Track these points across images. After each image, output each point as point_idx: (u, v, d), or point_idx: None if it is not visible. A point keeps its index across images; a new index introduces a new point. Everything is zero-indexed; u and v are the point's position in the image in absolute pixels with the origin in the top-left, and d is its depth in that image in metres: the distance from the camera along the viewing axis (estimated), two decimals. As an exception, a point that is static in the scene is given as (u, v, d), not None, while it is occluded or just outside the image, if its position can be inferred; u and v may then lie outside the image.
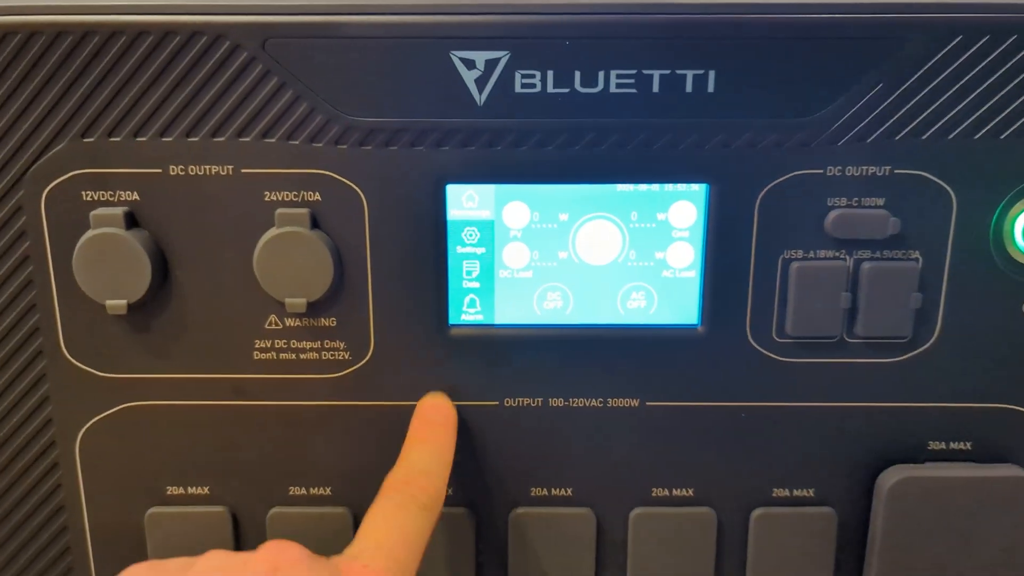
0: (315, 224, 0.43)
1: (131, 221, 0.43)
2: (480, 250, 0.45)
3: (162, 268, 0.44)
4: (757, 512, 0.47)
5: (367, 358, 0.44)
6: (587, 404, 0.46)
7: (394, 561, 0.37)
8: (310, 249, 0.42)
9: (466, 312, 0.45)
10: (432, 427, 0.43)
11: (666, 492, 0.47)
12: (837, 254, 0.43)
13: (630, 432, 0.46)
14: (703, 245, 0.44)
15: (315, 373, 0.44)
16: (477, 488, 0.47)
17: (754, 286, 0.44)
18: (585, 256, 0.45)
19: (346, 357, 0.44)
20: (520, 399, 0.46)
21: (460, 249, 0.44)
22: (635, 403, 0.46)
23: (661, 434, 0.46)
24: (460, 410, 0.46)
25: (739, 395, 0.46)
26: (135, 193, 0.43)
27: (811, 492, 0.47)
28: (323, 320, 0.44)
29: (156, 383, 0.45)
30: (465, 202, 0.44)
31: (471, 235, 0.44)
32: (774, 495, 0.47)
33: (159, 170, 0.42)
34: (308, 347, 0.45)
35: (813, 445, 0.47)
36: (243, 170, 0.42)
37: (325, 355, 0.45)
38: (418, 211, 0.43)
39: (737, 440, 0.47)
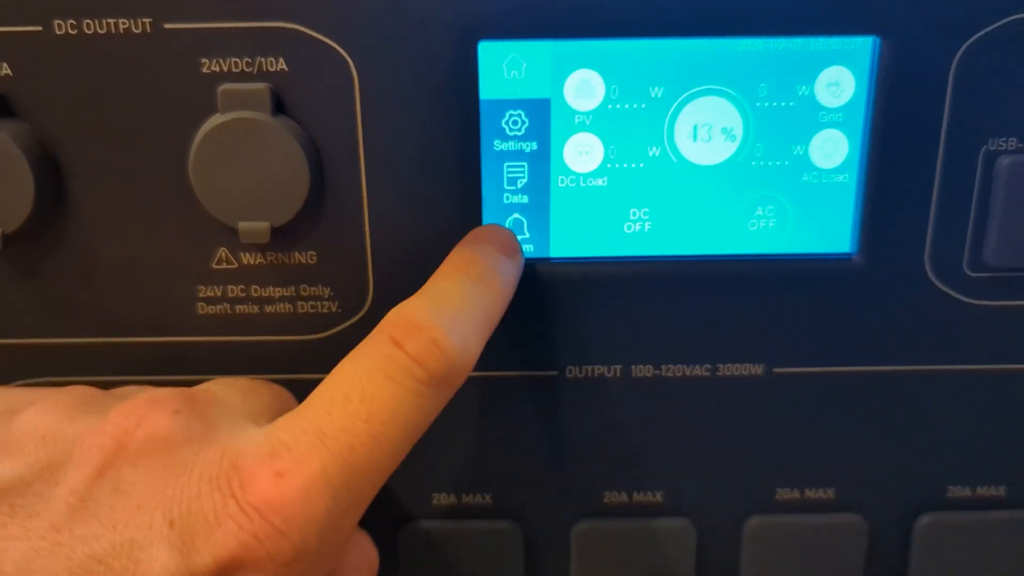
0: (279, 108, 0.28)
1: (1, 108, 0.28)
2: (530, 146, 0.30)
3: (52, 181, 0.29)
4: (925, 519, 0.34)
5: (364, 310, 0.31)
6: (687, 373, 0.32)
7: (342, 471, 0.23)
8: (272, 146, 0.28)
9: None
10: (482, 259, 0.28)
11: (796, 494, 0.33)
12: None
13: (749, 411, 0.33)
14: (864, 134, 0.30)
15: (288, 333, 0.31)
16: (527, 494, 0.34)
17: (939, 193, 0.30)
18: (688, 153, 0.30)
19: (333, 309, 0.31)
20: (589, 367, 0.32)
21: (500, 145, 0.30)
22: (758, 370, 0.32)
23: (793, 414, 0.33)
24: (501, 384, 0.32)
25: (910, 355, 0.32)
26: (5, 66, 0.28)
27: (1002, 491, 0.33)
28: (297, 255, 0.30)
29: (54, 352, 0.31)
30: (508, 71, 0.29)
31: (516, 123, 0.30)
32: (949, 495, 0.34)
33: (38, 27, 0.27)
34: (277, 295, 0.31)
35: (1011, 426, 0.33)
36: (167, 25, 0.28)
37: (302, 307, 0.30)
38: (437, 86, 0.28)
39: (901, 420, 0.33)
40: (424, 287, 0.27)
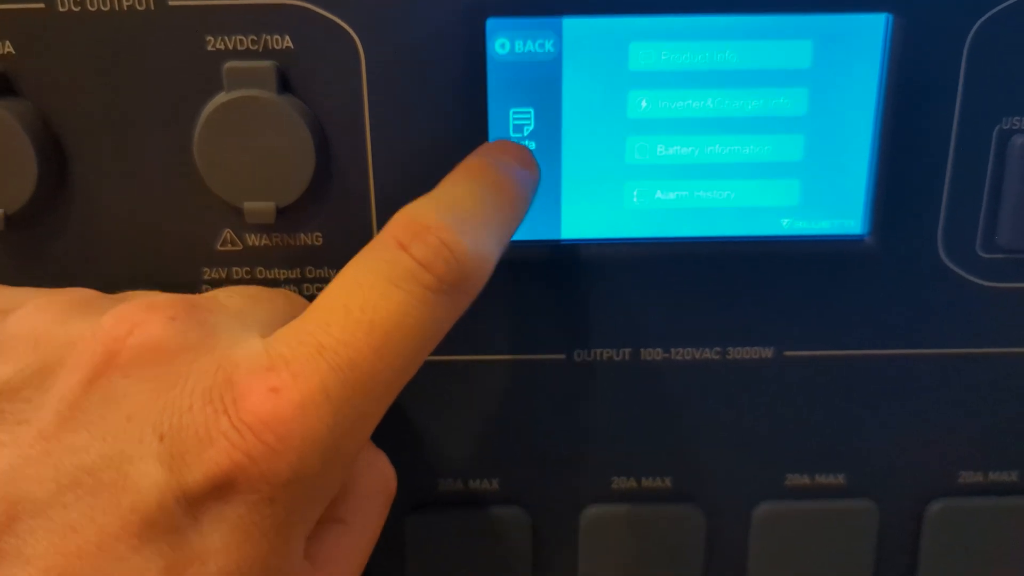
0: (284, 86, 0.28)
1: (3, 86, 0.28)
2: (539, 124, 0.29)
3: (55, 160, 0.29)
4: (936, 505, 0.33)
5: None
6: (697, 356, 0.32)
7: (343, 387, 0.22)
8: (278, 124, 0.28)
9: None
10: (497, 166, 0.26)
11: (807, 479, 0.33)
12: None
13: (759, 395, 0.32)
14: (877, 111, 0.29)
15: None
16: (534, 479, 0.33)
17: (952, 174, 0.29)
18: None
19: None
20: (597, 351, 0.31)
21: (508, 123, 0.29)
22: (768, 353, 0.31)
23: (803, 398, 0.32)
24: (508, 367, 0.31)
25: (922, 338, 0.32)
26: (7, 44, 0.27)
27: (1014, 476, 0.33)
28: (302, 236, 0.30)
29: (56, 334, 0.30)
30: (516, 48, 0.28)
31: (524, 102, 0.29)
32: (960, 481, 0.33)
33: (41, 4, 0.27)
34: (282, 277, 0.30)
35: (1024, 410, 0.32)
36: (171, 2, 0.27)
37: (308, 289, 0.30)
38: (444, 64, 0.28)
39: (913, 404, 0.32)
40: (434, 190, 0.25)
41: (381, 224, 0.29)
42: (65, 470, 0.20)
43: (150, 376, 0.21)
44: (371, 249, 0.24)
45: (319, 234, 0.30)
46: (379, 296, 0.22)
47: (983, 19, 0.28)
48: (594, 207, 0.30)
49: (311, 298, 0.30)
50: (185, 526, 0.20)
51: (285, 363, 0.21)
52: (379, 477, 0.27)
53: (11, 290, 0.26)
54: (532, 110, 0.29)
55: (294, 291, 0.30)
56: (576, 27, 0.28)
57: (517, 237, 0.30)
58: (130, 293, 0.26)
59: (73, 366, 0.21)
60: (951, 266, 0.31)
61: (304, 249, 0.30)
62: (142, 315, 0.22)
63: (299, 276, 0.30)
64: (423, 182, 0.29)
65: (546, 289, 0.31)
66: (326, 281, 0.30)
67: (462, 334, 0.31)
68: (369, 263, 0.23)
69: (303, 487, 0.21)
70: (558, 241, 0.31)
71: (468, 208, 0.24)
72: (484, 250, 0.24)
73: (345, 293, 0.23)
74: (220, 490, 0.20)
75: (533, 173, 0.27)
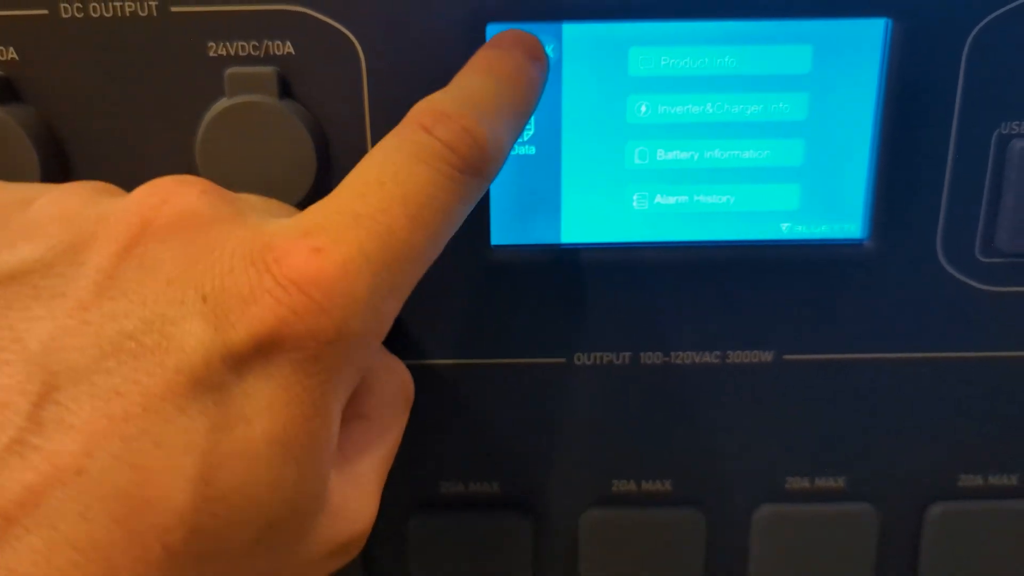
0: (286, 92, 0.28)
1: (7, 92, 0.28)
2: (539, 130, 0.29)
3: (58, 166, 0.29)
4: (937, 508, 0.33)
5: None
6: (697, 360, 0.32)
7: (382, 251, 0.22)
8: (279, 130, 0.28)
9: (517, 223, 0.31)
10: (508, 58, 0.27)
11: (807, 483, 0.33)
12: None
13: (758, 398, 0.32)
14: (876, 116, 0.29)
15: None
16: (535, 481, 0.33)
17: (952, 178, 0.29)
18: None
19: None
20: (597, 354, 0.31)
21: (508, 129, 0.29)
22: (768, 357, 0.31)
23: (803, 401, 0.32)
24: (509, 371, 0.31)
25: (921, 342, 0.32)
26: (11, 50, 0.28)
27: (1014, 480, 0.33)
28: (304, 240, 0.29)
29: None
30: (515, 54, 0.29)
31: (524, 107, 0.29)
32: (960, 484, 0.33)
33: (44, 11, 0.27)
34: (283, 281, 0.30)
35: None
36: (173, 8, 0.28)
37: None
38: (445, 70, 0.28)
39: (912, 408, 0.33)
40: (448, 85, 0.26)
41: (382, 228, 0.29)
42: (106, 336, 0.20)
43: (187, 241, 0.21)
44: (396, 133, 0.24)
45: (320, 238, 0.30)
46: (410, 171, 0.23)
47: (982, 24, 0.28)
48: (595, 211, 0.30)
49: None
50: (230, 384, 0.20)
51: (322, 229, 0.21)
52: (398, 381, 0.27)
53: (29, 184, 0.25)
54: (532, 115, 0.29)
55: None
56: (576, 32, 0.29)
57: (518, 241, 0.30)
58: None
59: (107, 238, 0.21)
60: (950, 270, 0.31)
61: (305, 253, 0.30)
62: (174, 186, 0.22)
63: (300, 280, 0.30)
64: (424, 187, 0.29)
65: (547, 293, 0.31)
66: (327, 285, 0.30)
67: (463, 336, 0.31)
68: (397, 144, 0.23)
69: (345, 347, 0.21)
70: (559, 245, 0.31)
71: (483, 100, 0.25)
72: (500, 138, 0.25)
73: (376, 168, 0.23)
74: (265, 347, 0.20)
75: (543, 63, 0.28)
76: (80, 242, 0.21)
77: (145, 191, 0.22)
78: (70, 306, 0.20)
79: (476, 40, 0.28)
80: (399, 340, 0.31)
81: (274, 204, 0.26)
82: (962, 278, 0.31)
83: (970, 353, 0.32)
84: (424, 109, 0.24)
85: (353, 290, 0.21)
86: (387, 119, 0.29)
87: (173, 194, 0.22)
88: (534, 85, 0.27)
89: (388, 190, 0.22)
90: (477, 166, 0.24)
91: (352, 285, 0.21)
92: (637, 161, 0.30)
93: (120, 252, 0.21)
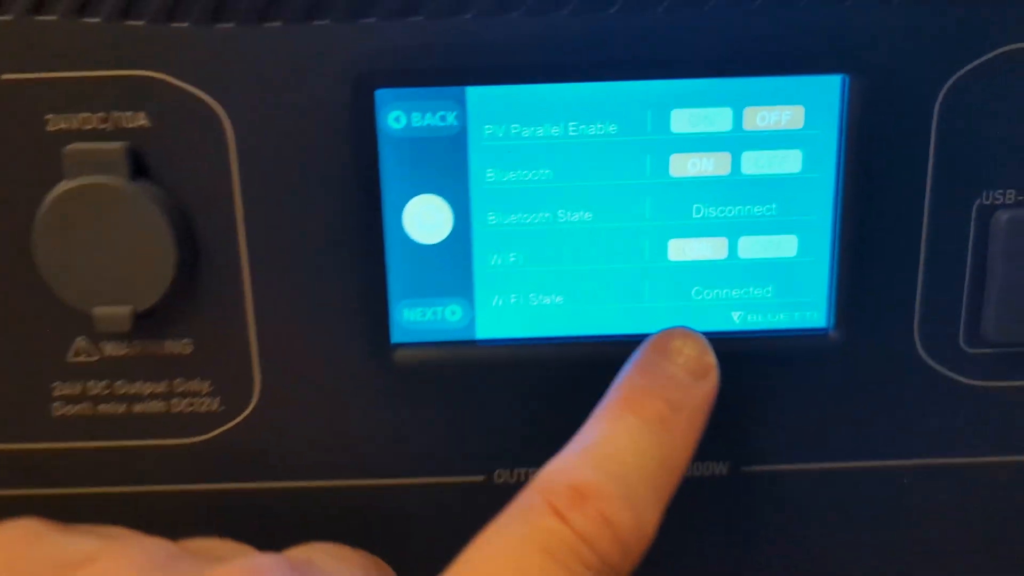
0: (139, 171, 0.24)
1: None
2: (443, 212, 0.25)
3: None
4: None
5: (250, 407, 0.26)
6: (639, 473, 0.26)
7: None
8: (131, 216, 0.24)
9: (424, 319, 0.26)
10: (660, 392, 0.22)
11: (768, 614, 0.28)
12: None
13: (714, 515, 0.28)
14: (837, 186, 0.25)
15: (162, 437, 0.27)
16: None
17: (928, 255, 0.25)
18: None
19: (214, 407, 0.26)
20: (521, 470, 0.27)
21: (407, 209, 0.25)
22: (723, 469, 0.27)
23: (764, 517, 0.28)
24: (424, 491, 0.27)
25: (902, 446, 0.27)
26: None
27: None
28: (168, 344, 0.25)
29: None
30: (415, 121, 0.24)
31: (426, 184, 0.25)
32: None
33: None
34: (146, 392, 0.26)
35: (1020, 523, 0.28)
36: (5, 75, 0.23)
37: (177, 405, 0.26)
38: (326, 142, 0.24)
39: (892, 522, 0.28)
40: (586, 433, 0.22)
41: (259, 327, 0.25)
42: None
43: None
44: (520, 512, 0.20)
45: (188, 341, 0.25)
46: (537, 571, 0.19)
47: (955, 78, 0.24)
48: (515, 301, 0.26)
49: (182, 415, 0.26)
50: None
51: None
52: None
53: (75, 536, 0.22)
54: (437, 195, 0.25)
55: (161, 407, 0.26)
56: (482, 97, 0.24)
57: (424, 338, 0.26)
58: (208, 544, 0.23)
59: None
60: (931, 363, 0.26)
61: (171, 359, 0.25)
62: None
63: (166, 391, 0.26)
64: (308, 277, 0.25)
65: (463, 399, 0.26)
66: (198, 395, 0.26)
67: (363, 454, 0.26)
68: (520, 529, 0.20)
69: None
70: (474, 342, 0.26)
71: (631, 464, 0.21)
72: (647, 520, 0.21)
73: (493, 566, 0.20)
74: None
75: (710, 382, 0.23)
76: None
77: None
78: None
79: (363, 109, 0.24)
80: (290, 459, 0.26)
81: (354, 569, 0.23)
82: (946, 372, 0.26)
83: (959, 459, 0.27)
84: (555, 483, 0.20)
85: None
86: (262, 201, 0.24)
87: None
88: (696, 423, 0.23)
89: None
90: (615, 566, 0.20)
91: None
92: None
93: None
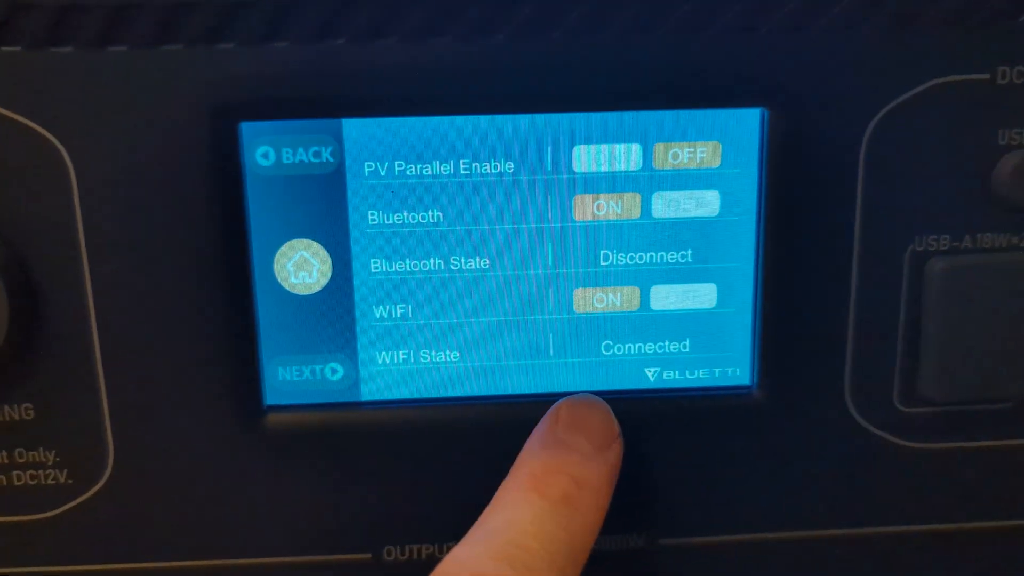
0: (-33, 214, 0.21)
1: None
2: (321, 260, 0.22)
3: None
4: None
5: (103, 480, 0.24)
6: (545, 548, 0.24)
7: None
8: (-44, 265, 0.20)
9: (300, 378, 0.23)
10: (561, 470, 0.21)
11: None
12: (1017, 240, 0.22)
13: (630, 596, 0.25)
14: (758, 229, 0.23)
15: (1, 514, 0.23)
16: None
17: (857, 308, 0.23)
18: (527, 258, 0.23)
19: (61, 480, 0.23)
20: (412, 547, 0.24)
21: (277, 258, 0.22)
22: (640, 541, 0.25)
23: (686, 595, 0.25)
24: (305, 571, 0.24)
25: (833, 515, 0.25)
26: None
27: None
28: (7, 410, 0.22)
29: None
30: (286, 158, 0.22)
31: (298, 227, 0.22)
32: None
33: None
34: (-17, 464, 0.22)
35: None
36: None
37: (19, 478, 0.23)
38: (189, 181, 0.21)
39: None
40: (488, 517, 0.20)
41: (111, 388, 0.22)
42: None
43: None
44: None
45: (29, 406, 0.22)
46: None
47: (883, 112, 0.22)
48: (404, 359, 0.23)
49: (25, 489, 0.23)
50: None
51: None
52: None
53: None
54: (312, 240, 0.22)
55: (0, 481, 0.23)
56: (361, 130, 0.22)
57: (303, 400, 0.23)
58: None
59: None
60: (864, 424, 0.24)
61: (10, 426, 0.22)
62: None
63: (6, 462, 0.23)
64: (168, 332, 0.22)
65: (348, 468, 0.23)
66: (42, 467, 0.23)
67: (235, 529, 0.24)
68: None
69: None
70: (359, 403, 0.24)
71: (536, 550, 0.20)
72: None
73: None
74: None
75: (614, 452, 0.22)
76: None
77: None
78: None
79: (226, 144, 0.21)
80: (150, 537, 0.23)
81: None
82: (879, 433, 0.24)
83: (894, 527, 0.25)
84: (459, 574, 0.19)
85: None
86: (110, 247, 0.22)
87: None
88: (601, 497, 0.21)
89: None
90: None
91: None
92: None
93: None
